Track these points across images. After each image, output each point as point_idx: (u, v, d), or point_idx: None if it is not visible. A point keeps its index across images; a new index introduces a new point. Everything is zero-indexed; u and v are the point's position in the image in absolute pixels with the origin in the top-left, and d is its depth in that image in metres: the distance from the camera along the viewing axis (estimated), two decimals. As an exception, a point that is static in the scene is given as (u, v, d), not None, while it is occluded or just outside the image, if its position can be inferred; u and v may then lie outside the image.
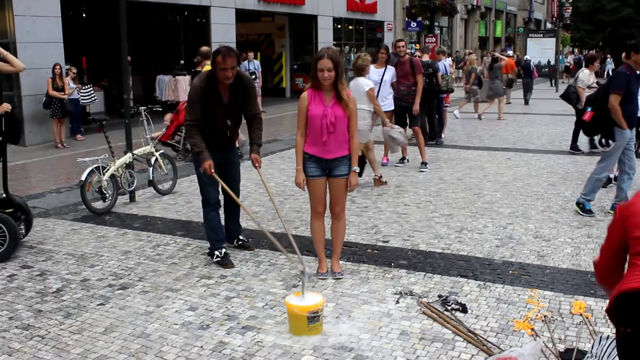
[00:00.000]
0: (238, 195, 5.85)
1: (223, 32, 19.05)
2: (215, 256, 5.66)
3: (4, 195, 6.18)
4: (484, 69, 19.93)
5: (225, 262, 5.60)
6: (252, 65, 18.62)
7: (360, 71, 8.32)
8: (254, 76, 18.39)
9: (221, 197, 5.91)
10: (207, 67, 10.27)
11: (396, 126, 9.03)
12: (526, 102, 21.16)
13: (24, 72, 6.53)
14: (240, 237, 6.08)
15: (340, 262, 5.41)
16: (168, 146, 10.82)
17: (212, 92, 5.35)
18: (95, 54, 18.60)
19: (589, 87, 10.59)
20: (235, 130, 5.74)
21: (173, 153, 10.77)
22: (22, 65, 6.13)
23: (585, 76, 10.99)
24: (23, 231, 6.25)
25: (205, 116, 5.36)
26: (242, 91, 5.52)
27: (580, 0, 50.75)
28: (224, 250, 5.68)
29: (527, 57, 24.99)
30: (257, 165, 5.61)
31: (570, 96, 11.20)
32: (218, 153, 5.53)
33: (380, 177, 8.80)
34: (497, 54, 19.73)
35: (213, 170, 5.33)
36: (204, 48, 10.67)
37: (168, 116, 11.05)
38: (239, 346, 4.06)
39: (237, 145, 6.19)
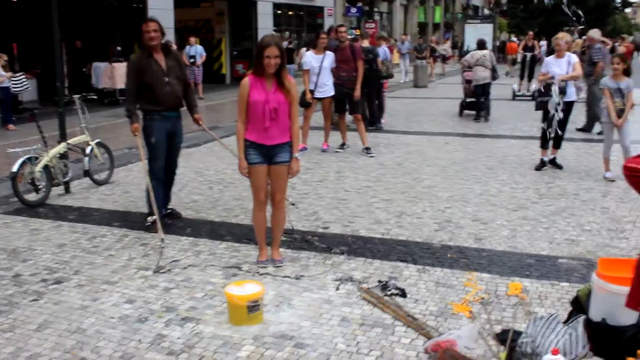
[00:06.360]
0: (177, 164, 6.50)
1: (161, 17, 18.22)
2: (146, 221, 6.17)
3: None
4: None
5: (150, 228, 6.04)
6: (194, 50, 18.36)
7: None
8: (192, 60, 18.12)
9: None
10: None
11: None
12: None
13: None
14: (169, 207, 6.48)
15: (281, 249, 5.38)
16: None
17: (147, 59, 5.94)
18: (27, 40, 17.93)
19: None
20: (179, 94, 6.14)
21: None
22: None
23: None
24: None
25: (147, 83, 5.91)
26: (175, 57, 6.25)
27: (517, -13, 51.77)
28: (155, 217, 5.89)
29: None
30: (200, 123, 6.42)
31: None
32: (167, 123, 6.10)
33: None
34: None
35: (138, 134, 6.03)
36: None
37: None
38: (178, 338, 4.00)
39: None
